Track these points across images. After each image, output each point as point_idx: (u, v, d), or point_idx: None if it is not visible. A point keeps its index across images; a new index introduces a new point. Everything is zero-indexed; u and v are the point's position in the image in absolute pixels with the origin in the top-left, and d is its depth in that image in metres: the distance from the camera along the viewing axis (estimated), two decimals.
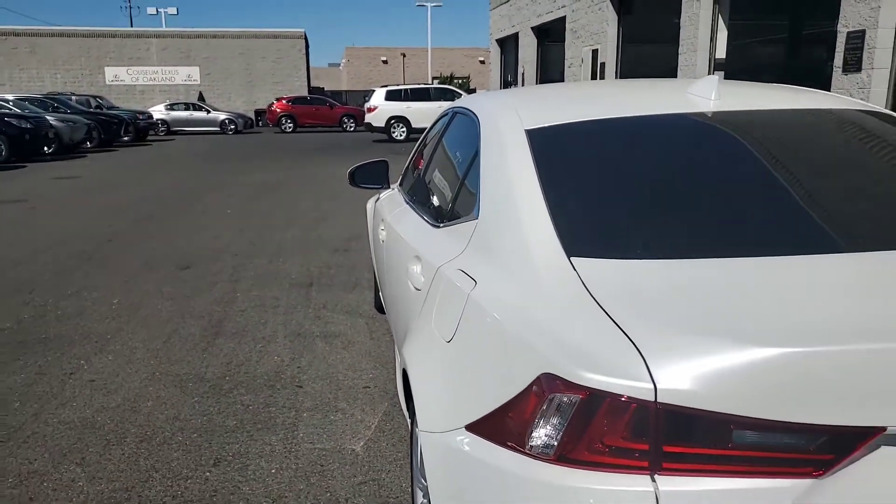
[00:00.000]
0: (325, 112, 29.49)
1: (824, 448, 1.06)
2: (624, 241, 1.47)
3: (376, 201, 3.73)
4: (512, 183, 1.71)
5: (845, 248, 1.42)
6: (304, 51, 37.55)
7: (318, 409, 3.18)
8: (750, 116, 1.95)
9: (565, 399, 1.13)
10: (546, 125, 1.91)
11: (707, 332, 1.11)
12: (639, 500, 1.07)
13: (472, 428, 1.35)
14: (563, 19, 18.19)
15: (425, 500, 1.74)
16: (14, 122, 15.78)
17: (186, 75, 35.90)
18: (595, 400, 1.11)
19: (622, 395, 1.08)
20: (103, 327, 4.37)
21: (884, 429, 1.05)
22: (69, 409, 3.20)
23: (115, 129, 21.08)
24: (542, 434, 1.16)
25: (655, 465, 1.08)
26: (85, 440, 2.90)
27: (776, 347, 1.05)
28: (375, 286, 4.27)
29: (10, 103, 18.07)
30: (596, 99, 2.22)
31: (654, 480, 1.08)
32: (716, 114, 1.95)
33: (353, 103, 32.67)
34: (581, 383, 1.12)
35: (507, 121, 1.99)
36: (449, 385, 1.51)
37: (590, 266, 1.36)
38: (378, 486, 2.53)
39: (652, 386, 1.07)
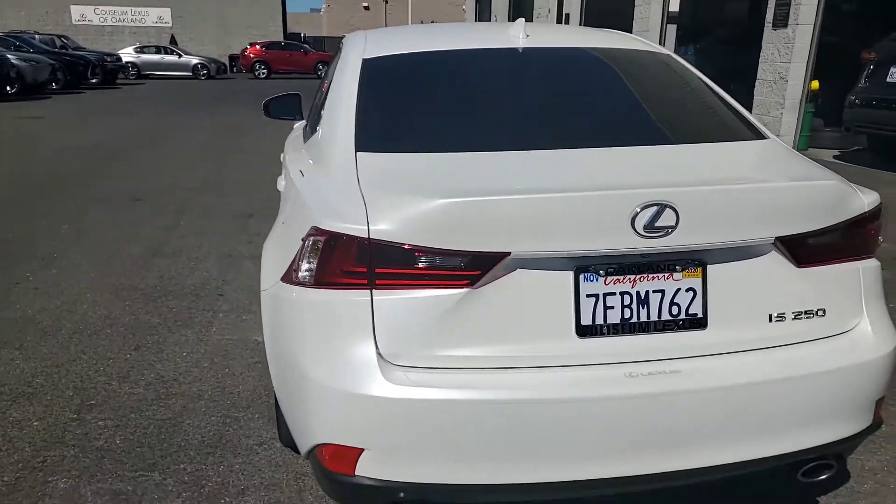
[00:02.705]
0: (300, 58, 29.32)
1: (472, 267, 1.56)
2: (397, 140, 1.95)
3: None
4: (340, 100, 2.17)
5: (547, 147, 1.88)
6: None
7: (233, 311, 3.67)
8: (543, 52, 2.40)
9: (319, 241, 1.62)
10: (379, 55, 2.36)
11: (409, 193, 1.59)
12: (361, 306, 1.57)
13: (283, 278, 1.83)
14: None
15: None
16: None
17: (157, 17, 35.18)
18: (334, 240, 1.59)
19: (349, 235, 1.57)
20: (51, 247, 4.80)
21: (509, 253, 1.55)
22: (12, 310, 3.66)
23: (82, 70, 20.90)
24: (305, 267, 1.65)
25: (371, 282, 1.58)
26: (25, 332, 3.38)
27: (441, 199, 1.53)
28: None
29: None
30: (434, 37, 2.65)
31: (371, 292, 1.58)
32: (523, 49, 2.40)
33: (330, 50, 32.36)
34: (327, 228, 1.61)
35: (355, 52, 2.43)
36: (276, 254, 1.99)
37: (367, 157, 1.84)
38: None
39: (367, 228, 1.55)
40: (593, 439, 1.58)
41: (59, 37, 24.85)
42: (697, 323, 1.65)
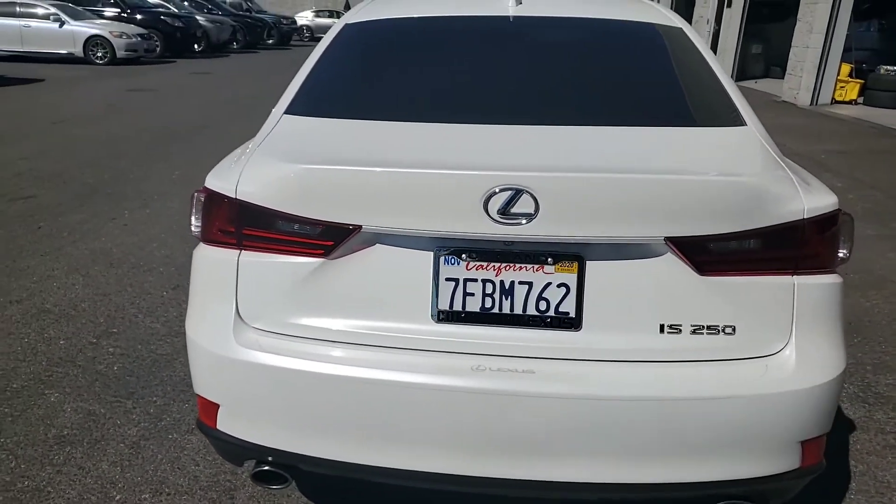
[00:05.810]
0: None
1: (324, 237, 1.51)
2: (329, 105, 1.90)
3: None
4: (305, 64, 2.17)
5: (473, 121, 1.73)
6: None
7: None
8: (534, 21, 2.20)
9: (201, 198, 1.66)
10: (362, 20, 2.30)
11: (284, 158, 1.56)
12: (229, 264, 1.59)
13: None
14: None
15: None
16: (168, 20, 17.68)
17: None
18: (212, 198, 1.62)
19: (220, 194, 1.59)
20: (156, 190, 5.33)
21: (360, 227, 1.48)
22: (98, 242, 4.13)
23: (259, 31, 22.74)
24: (194, 223, 1.70)
25: (240, 242, 1.59)
26: (96, 262, 3.81)
27: (293, 164, 1.50)
28: None
29: (170, 2, 20.03)
30: (432, 2, 2.50)
31: (239, 252, 1.59)
32: (514, 17, 2.23)
33: None
34: (208, 186, 1.64)
35: (346, 16, 2.41)
36: None
37: (289, 121, 1.83)
38: None
39: (234, 188, 1.56)
40: (437, 431, 1.49)
41: (247, 0, 27.08)
42: (568, 323, 1.49)
